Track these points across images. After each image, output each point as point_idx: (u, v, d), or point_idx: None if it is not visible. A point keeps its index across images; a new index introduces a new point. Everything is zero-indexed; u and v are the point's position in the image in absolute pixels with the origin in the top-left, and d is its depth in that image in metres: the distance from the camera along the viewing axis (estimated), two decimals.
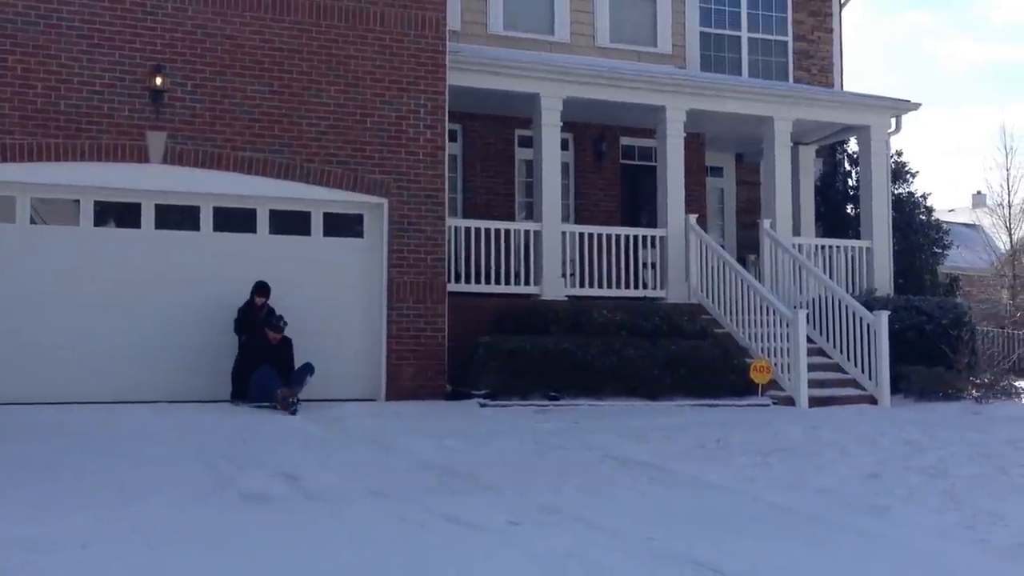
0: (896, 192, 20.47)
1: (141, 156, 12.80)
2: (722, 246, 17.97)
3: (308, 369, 12.76)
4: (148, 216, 13.14)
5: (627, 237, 16.38)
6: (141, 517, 6.47)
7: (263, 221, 13.64)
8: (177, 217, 13.34)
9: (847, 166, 21.73)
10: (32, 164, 12.34)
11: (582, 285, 16.04)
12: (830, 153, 21.53)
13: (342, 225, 14.06)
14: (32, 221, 12.80)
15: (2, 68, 12.29)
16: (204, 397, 12.73)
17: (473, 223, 15.59)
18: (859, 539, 6.38)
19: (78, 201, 12.93)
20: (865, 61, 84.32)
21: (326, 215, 13.92)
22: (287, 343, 12.95)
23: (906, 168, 21.85)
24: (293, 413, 11.93)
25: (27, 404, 11.80)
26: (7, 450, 9.02)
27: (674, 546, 5.94)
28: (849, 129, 18.67)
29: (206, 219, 13.37)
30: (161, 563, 5.48)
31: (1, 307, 12.30)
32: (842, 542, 6.31)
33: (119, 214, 13.19)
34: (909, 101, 18.29)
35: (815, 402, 14.28)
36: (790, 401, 14.31)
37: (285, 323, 12.85)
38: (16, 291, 12.38)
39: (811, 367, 14.66)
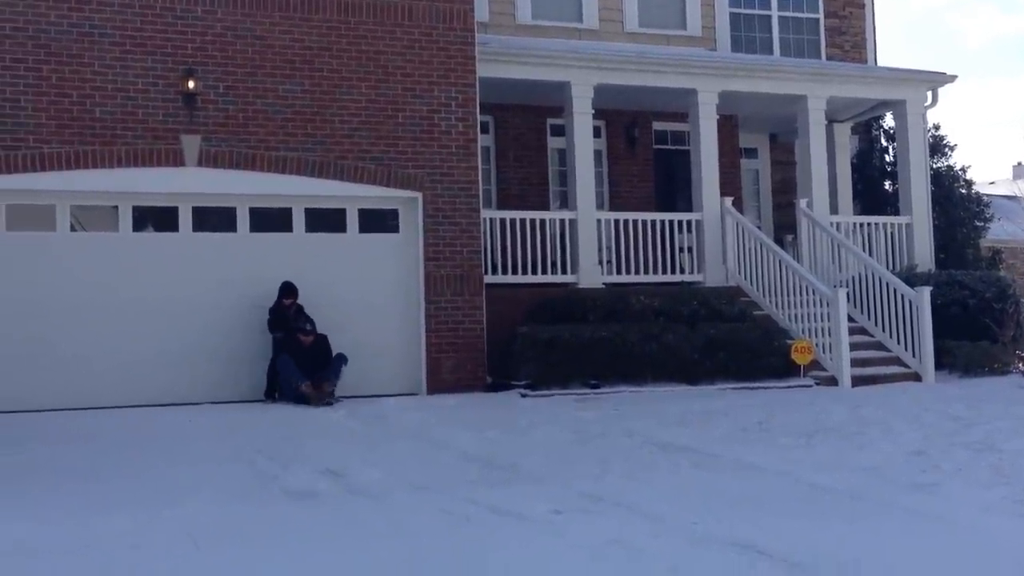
0: (934, 166, 20.25)
1: (176, 160, 12.92)
2: (758, 228, 17.86)
3: (341, 360, 12.84)
4: (185, 219, 13.26)
5: (662, 222, 16.31)
6: (186, 516, 6.54)
7: (299, 220, 13.72)
8: (214, 219, 13.45)
9: (883, 142, 21.52)
10: (70, 172, 12.50)
11: (619, 272, 16.01)
12: (866, 130, 21.33)
13: (377, 221, 14.11)
14: (72, 228, 12.96)
15: (37, 78, 12.44)
16: (244, 398, 12.87)
17: (508, 214, 15.59)
18: (905, 516, 6.34)
19: (116, 207, 13.06)
20: (890, 37, 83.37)
21: (361, 211, 13.98)
22: (322, 341, 12.95)
23: (944, 142, 21.60)
24: (328, 404, 12.12)
25: (69, 410, 11.97)
26: (51, 454, 9.15)
27: (717, 530, 5.93)
28: (884, 104, 18.48)
29: (242, 220, 13.47)
30: (208, 561, 5.54)
31: (43, 314, 12.45)
32: (887, 520, 6.27)
33: (157, 218, 13.32)
34: (944, 74, 18.06)
35: (858, 381, 14.17)
36: (832, 381, 14.21)
37: (312, 325, 12.82)
38: (58, 298, 12.53)
39: (853, 346, 14.55)
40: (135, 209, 13.10)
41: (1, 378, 12.11)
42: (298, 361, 12.64)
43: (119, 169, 12.68)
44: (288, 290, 13.05)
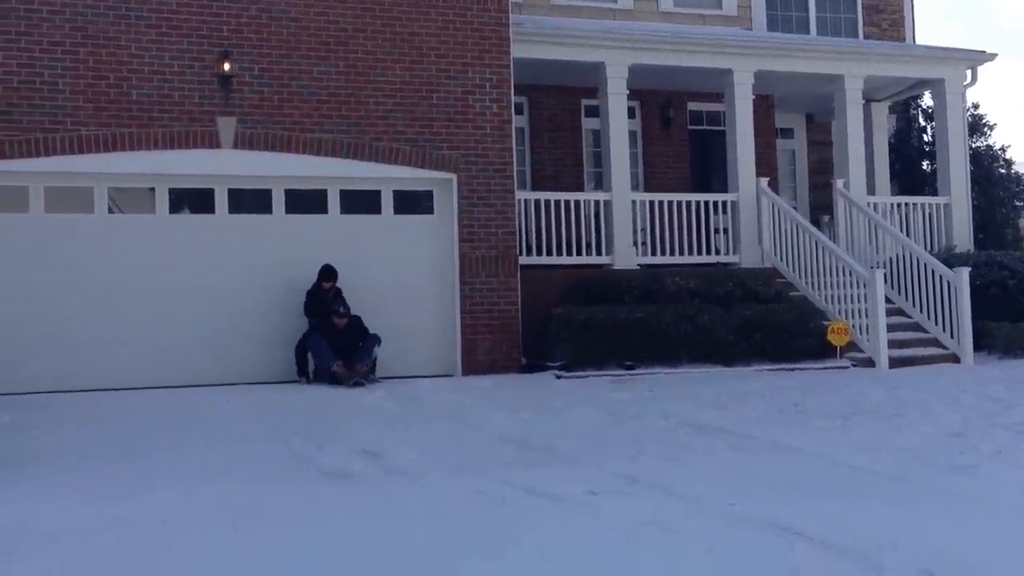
0: (974, 146, 20.03)
1: (212, 142, 12.98)
2: (794, 208, 17.72)
3: (374, 341, 12.84)
4: (221, 201, 13.32)
5: (698, 203, 16.23)
6: (222, 495, 6.60)
7: (334, 201, 13.76)
8: (249, 201, 13.52)
9: (922, 121, 21.31)
10: (107, 154, 12.59)
11: (654, 253, 15.95)
12: (903, 109, 21.10)
13: (412, 202, 14.12)
14: (110, 211, 13.06)
15: (74, 61, 12.53)
16: (278, 379, 12.90)
17: (542, 195, 15.56)
18: (943, 498, 6.29)
19: (153, 189, 13.15)
20: (929, 15, 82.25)
21: (396, 193, 14.00)
22: (356, 323, 12.96)
23: (983, 121, 21.37)
24: (360, 385, 12.23)
25: (106, 390, 12.10)
26: (88, 434, 9.23)
27: (753, 511, 5.91)
28: (923, 83, 18.25)
29: (278, 202, 13.52)
30: (244, 539, 5.58)
31: (79, 296, 12.56)
32: (925, 501, 6.22)
33: (193, 200, 13.40)
34: (984, 52, 17.81)
35: (895, 363, 14.06)
36: (870, 362, 14.10)
37: (347, 307, 12.86)
38: (94, 280, 12.64)
39: (890, 327, 14.43)
40: (171, 191, 13.19)
41: (37, 359, 12.25)
42: (332, 343, 12.64)
43: (156, 151, 12.77)
44: (328, 273, 13.08)
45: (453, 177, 13.95)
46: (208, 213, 13.29)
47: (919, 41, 20.77)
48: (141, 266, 12.84)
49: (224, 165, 13.05)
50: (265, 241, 13.30)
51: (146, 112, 12.74)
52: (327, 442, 8.59)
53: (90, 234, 12.76)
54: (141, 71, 12.75)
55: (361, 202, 13.90)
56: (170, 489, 6.75)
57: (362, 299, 13.25)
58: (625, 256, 15.62)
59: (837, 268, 15.01)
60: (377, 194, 13.93)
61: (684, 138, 18.43)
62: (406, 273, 13.84)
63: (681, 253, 15.94)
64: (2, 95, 12.28)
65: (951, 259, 15.63)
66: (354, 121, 13.54)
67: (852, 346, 14.31)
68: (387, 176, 13.76)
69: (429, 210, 14.16)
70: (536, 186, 16.87)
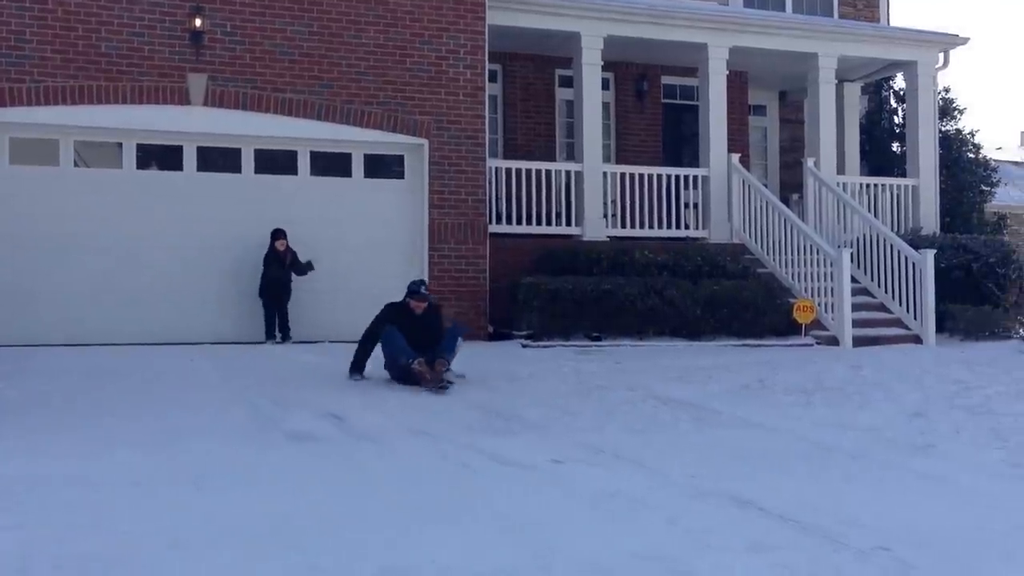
0: (943, 129, 20.12)
1: (182, 98, 12.82)
2: (765, 185, 17.77)
3: (458, 331, 10.25)
4: (190, 159, 13.20)
5: (669, 177, 16.23)
6: (188, 455, 6.57)
7: (304, 163, 13.66)
8: (219, 160, 13.39)
9: (893, 103, 21.38)
10: (74, 107, 12.42)
11: (624, 226, 15.96)
12: (876, 90, 21.17)
13: (383, 166, 14.05)
14: (75, 164, 12.89)
15: (43, 10, 12.32)
16: (244, 339, 12.84)
17: (514, 164, 15.51)
18: (903, 476, 6.36)
19: (120, 144, 12.99)
20: None
21: (367, 156, 13.91)
22: (433, 311, 10.53)
23: (954, 105, 21.46)
24: (444, 388, 9.47)
25: (69, 346, 11.99)
26: (55, 389, 9.14)
27: (716, 484, 5.94)
28: (895, 65, 18.33)
29: (247, 161, 13.41)
30: (209, 499, 5.56)
31: (44, 250, 12.43)
32: (885, 479, 6.29)
33: (161, 157, 13.25)
34: (957, 36, 17.90)
35: (859, 341, 14.17)
36: (834, 341, 14.21)
37: (425, 287, 10.57)
38: (59, 234, 12.50)
39: (855, 307, 14.55)
40: (139, 147, 13.05)
41: (2, 312, 12.09)
42: (405, 333, 9.89)
43: (124, 106, 12.61)
44: (277, 233, 12.93)
45: (424, 142, 13.87)
46: (176, 170, 13.17)
47: (893, 23, 20.83)
48: (107, 221, 12.71)
49: (194, 122, 12.91)
50: (234, 200, 13.19)
51: (115, 65, 12.57)
52: (292, 404, 8.55)
53: (56, 188, 12.60)
54: (111, 23, 12.56)
55: (332, 164, 13.81)
56: (136, 448, 6.72)
57: (330, 261, 13.19)
58: (595, 228, 15.62)
59: (805, 246, 15.09)
60: (348, 157, 13.84)
61: (657, 112, 18.41)
62: (375, 237, 13.78)
63: (651, 226, 15.96)
64: None
65: (917, 241, 15.74)
66: (326, 82, 13.42)
67: (817, 324, 14.40)
68: (358, 139, 13.67)
69: (400, 175, 14.09)
70: (508, 154, 16.81)
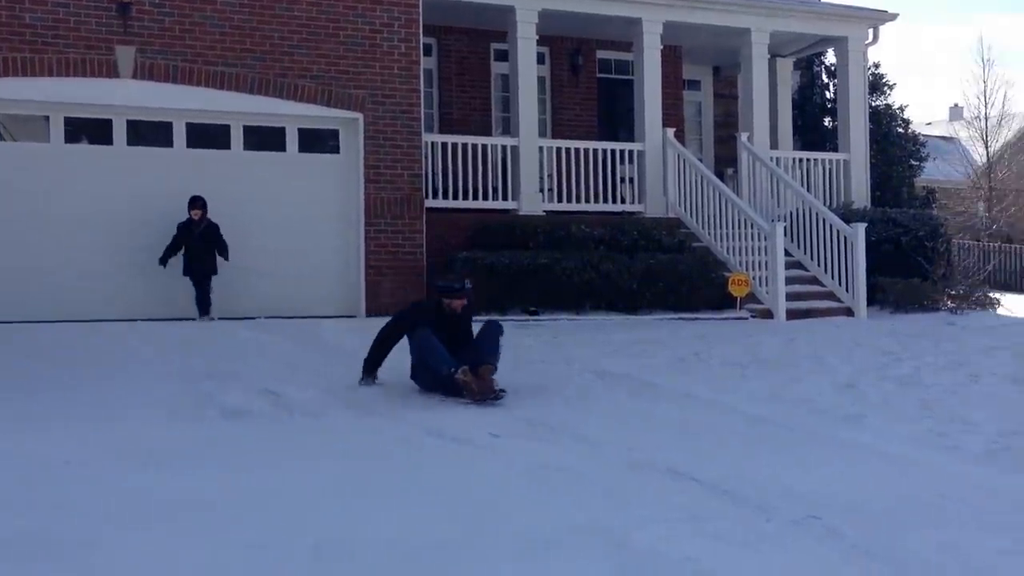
0: (873, 105, 20.44)
1: (110, 71, 12.57)
2: (700, 160, 17.90)
3: (498, 330, 8.60)
4: (120, 132, 12.95)
5: (604, 151, 16.27)
6: (122, 430, 6.48)
7: (237, 137, 13.47)
8: (149, 133, 13.16)
9: (824, 78, 21.67)
10: None
11: (560, 200, 15.99)
12: (808, 65, 21.41)
13: (317, 141, 13.91)
14: (1, 138, 12.60)
15: None
16: (177, 315, 12.62)
17: (450, 138, 15.45)
18: (834, 447, 6.46)
19: (47, 117, 12.71)
20: None
21: (301, 131, 13.76)
22: (468, 309, 8.88)
23: (883, 80, 21.80)
24: (496, 399, 7.89)
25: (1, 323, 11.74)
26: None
27: (653, 456, 6.00)
28: (827, 41, 18.54)
29: (179, 135, 13.18)
30: (144, 475, 5.50)
31: None
32: (817, 450, 6.39)
33: (90, 130, 12.98)
34: (886, 12, 18.14)
35: (793, 315, 14.37)
36: (768, 314, 14.39)
37: (462, 282, 8.91)
38: None
39: (789, 280, 14.74)
40: (67, 120, 12.76)
41: None
42: (439, 335, 8.36)
43: (50, 78, 12.32)
44: (193, 201, 12.61)
45: (359, 116, 13.75)
46: (106, 144, 12.91)
47: None
48: (35, 196, 12.43)
49: (123, 95, 12.66)
50: (166, 175, 12.96)
51: (40, 37, 12.27)
52: (229, 379, 8.47)
53: None
54: None
55: (265, 139, 13.64)
56: (69, 424, 6.65)
57: (265, 237, 13.06)
58: (531, 202, 15.62)
59: (740, 220, 15.24)
60: (282, 131, 13.68)
61: (593, 86, 18.44)
62: (311, 212, 13.64)
63: (587, 201, 16.00)
64: None
65: (849, 215, 15.97)
66: (259, 55, 13.23)
67: (752, 298, 14.57)
68: (292, 113, 13.51)
69: (335, 149, 13.96)
70: (444, 129, 16.74)
